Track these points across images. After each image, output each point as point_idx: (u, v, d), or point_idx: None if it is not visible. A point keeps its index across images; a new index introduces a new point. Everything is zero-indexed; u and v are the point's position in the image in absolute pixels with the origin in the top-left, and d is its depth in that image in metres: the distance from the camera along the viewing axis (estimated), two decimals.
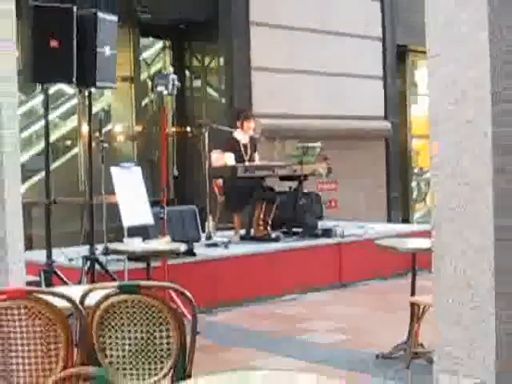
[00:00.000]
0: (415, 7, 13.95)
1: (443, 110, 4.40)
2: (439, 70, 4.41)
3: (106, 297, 3.58)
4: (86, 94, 7.76)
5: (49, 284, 6.78)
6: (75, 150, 10.91)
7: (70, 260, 7.78)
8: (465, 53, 4.27)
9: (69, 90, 10.35)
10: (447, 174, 4.41)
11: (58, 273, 7.02)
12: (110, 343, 3.63)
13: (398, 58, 14.49)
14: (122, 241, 7.58)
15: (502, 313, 4.21)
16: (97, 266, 7.36)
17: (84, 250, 7.73)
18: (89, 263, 7.33)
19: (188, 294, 3.69)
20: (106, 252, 7.82)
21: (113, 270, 7.43)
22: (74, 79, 6.93)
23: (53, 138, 8.25)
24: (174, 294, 5.86)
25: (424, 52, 13.05)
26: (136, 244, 7.12)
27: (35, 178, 9.26)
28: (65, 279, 6.88)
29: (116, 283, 3.88)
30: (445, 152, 4.43)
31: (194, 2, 11.47)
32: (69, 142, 10.98)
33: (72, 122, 10.98)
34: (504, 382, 4.19)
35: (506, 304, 4.25)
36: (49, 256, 7.05)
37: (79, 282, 6.88)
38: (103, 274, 7.27)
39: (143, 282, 3.77)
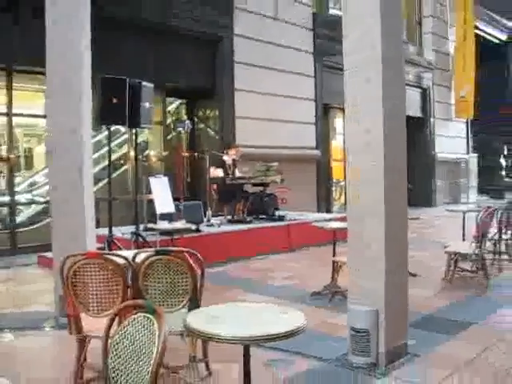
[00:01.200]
0: (333, 84, 14.12)
1: (352, 142, 4.42)
2: (351, 121, 4.43)
3: (148, 257, 3.57)
4: (134, 131, 7.77)
5: (110, 249, 6.72)
6: (125, 167, 10.84)
7: (123, 234, 7.72)
8: (362, 111, 4.29)
9: (122, 129, 10.23)
10: (354, 180, 4.42)
11: (116, 242, 6.98)
12: (150, 286, 3.61)
13: (324, 112, 14.50)
14: (155, 223, 7.58)
15: (388, 264, 4.24)
16: (140, 239, 7.33)
17: (132, 228, 7.71)
18: (135, 236, 7.32)
19: (198, 255, 3.68)
20: (146, 229, 7.83)
21: (150, 240, 7.39)
22: (126, 122, 6.89)
23: (111, 158, 8.12)
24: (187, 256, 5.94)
25: (339, 108, 13.04)
26: (165, 224, 7.13)
27: (100, 184, 9.15)
28: (119, 246, 6.82)
29: (154, 249, 3.87)
30: (354, 170, 4.44)
31: (200, 76, 11.48)
32: (121, 162, 10.85)
33: (123, 149, 10.91)
34: (387, 309, 4.20)
35: (390, 258, 4.28)
36: (110, 231, 6.99)
37: (129, 249, 6.85)
38: (143, 243, 7.24)
39: (170, 248, 3.76)
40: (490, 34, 21.92)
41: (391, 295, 4.24)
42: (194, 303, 3.57)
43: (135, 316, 2.21)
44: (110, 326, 2.31)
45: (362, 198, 4.34)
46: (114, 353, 2.21)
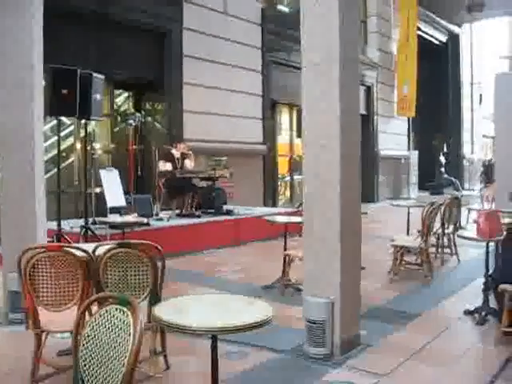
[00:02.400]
0: (281, 79, 14.26)
1: (310, 136, 4.51)
2: (308, 116, 4.51)
3: (109, 250, 3.55)
4: (82, 123, 7.64)
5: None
6: (71, 159, 10.60)
7: (72, 228, 7.58)
8: (320, 108, 4.38)
9: (67, 121, 9.98)
10: (311, 176, 4.52)
11: (64, 236, 6.84)
12: (111, 279, 3.59)
13: (271, 107, 14.60)
14: (106, 216, 7.48)
15: (343, 256, 4.35)
16: (89, 233, 7.19)
17: (80, 221, 7.56)
18: (84, 230, 7.18)
19: (159, 247, 3.68)
20: (95, 223, 7.68)
21: (99, 234, 7.26)
22: (77, 114, 6.76)
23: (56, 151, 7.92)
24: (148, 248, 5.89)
25: (286, 104, 13.09)
26: (116, 218, 7.04)
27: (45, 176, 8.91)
28: (69, 240, 6.68)
29: (116, 241, 3.85)
30: (309, 164, 4.54)
31: (148, 68, 11.36)
32: (67, 154, 10.59)
33: (68, 142, 10.64)
34: (342, 301, 4.32)
35: (345, 251, 4.39)
36: (59, 225, 6.84)
37: (77, 242, 6.72)
38: (93, 237, 7.11)
39: (132, 241, 3.75)
40: (431, 35, 22.58)
41: (346, 287, 4.36)
42: (155, 296, 3.58)
43: (107, 308, 2.20)
44: (80, 320, 2.30)
45: (317, 192, 4.44)
46: (85, 346, 2.21)
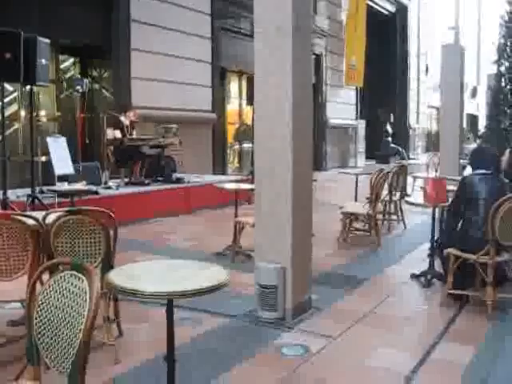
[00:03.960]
0: (231, 47, 14.11)
1: (262, 110, 4.50)
2: (260, 88, 4.49)
3: (59, 217, 3.48)
4: (27, 89, 7.37)
5: None
6: (15, 127, 10.27)
7: (18, 197, 7.37)
8: (272, 82, 4.36)
9: (9, 87, 9.63)
10: (262, 150, 4.53)
11: (10, 205, 6.65)
12: (62, 247, 3.53)
13: (220, 75, 14.45)
14: (53, 185, 7.30)
15: (295, 222, 4.40)
16: (36, 201, 7.01)
17: (27, 190, 7.33)
18: (31, 199, 7.00)
19: (111, 213, 3.63)
20: (42, 192, 7.50)
21: (47, 203, 7.06)
22: (21, 79, 6.52)
23: None
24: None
25: (235, 72, 12.97)
26: (65, 186, 6.88)
27: None
28: (15, 209, 6.50)
29: (65, 208, 3.77)
30: (261, 137, 4.53)
31: (95, 34, 11.02)
32: (10, 121, 10.24)
33: (12, 108, 10.28)
34: (294, 266, 4.38)
35: (296, 217, 4.44)
36: (4, 194, 6.65)
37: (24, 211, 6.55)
38: (40, 206, 6.93)
39: (83, 207, 3.68)
40: (380, 6, 22.70)
41: (297, 253, 4.42)
42: (107, 264, 3.54)
43: (62, 274, 2.17)
44: (32, 289, 2.26)
45: (269, 160, 4.45)
46: (39, 314, 2.18)
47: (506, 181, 4.87)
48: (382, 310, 4.72)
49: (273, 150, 4.40)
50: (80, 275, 2.11)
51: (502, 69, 15.25)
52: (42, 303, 2.18)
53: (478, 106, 36.00)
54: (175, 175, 10.46)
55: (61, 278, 2.16)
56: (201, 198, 9.83)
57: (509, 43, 15.15)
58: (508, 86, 15.11)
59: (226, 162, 15.39)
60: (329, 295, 5.04)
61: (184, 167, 11.21)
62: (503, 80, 15.22)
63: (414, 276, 5.61)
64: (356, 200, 8.61)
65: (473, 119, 34.96)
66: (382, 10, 23.17)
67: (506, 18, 15.43)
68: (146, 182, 9.84)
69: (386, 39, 23.99)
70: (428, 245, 5.76)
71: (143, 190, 9.30)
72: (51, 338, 2.12)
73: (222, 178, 11.98)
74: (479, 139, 16.97)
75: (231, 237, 6.49)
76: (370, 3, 20.83)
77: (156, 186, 9.74)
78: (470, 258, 4.55)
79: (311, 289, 4.72)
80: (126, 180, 9.87)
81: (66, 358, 2.04)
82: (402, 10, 24.49)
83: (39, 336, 2.16)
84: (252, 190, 4.72)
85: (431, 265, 5.48)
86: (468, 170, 6.64)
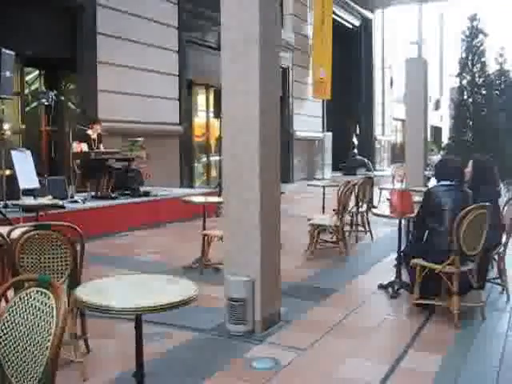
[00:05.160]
0: (198, 60, 14.12)
1: (229, 117, 4.51)
2: (228, 97, 4.50)
3: (25, 232, 3.42)
4: None
5: None
6: None
7: None
8: (239, 90, 4.38)
9: None
10: (230, 157, 4.53)
11: None
12: (28, 262, 3.47)
13: (187, 88, 14.43)
14: (18, 199, 7.17)
15: (263, 235, 4.41)
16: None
17: None
18: None
19: (78, 229, 3.59)
20: (6, 206, 7.35)
21: (12, 217, 6.91)
22: None
23: None
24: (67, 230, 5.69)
25: (202, 84, 12.92)
26: (30, 200, 6.76)
27: None
28: None
29: (32, 223, 3.71)
30: (228, 145, 4.54)
31: (61, 46, 10.91)
32: None
33: None
34: (263, 279, 4.38)
35: (265, 230, 4.45)
36: None
37: None
38: (4, 221, 6.78)
39: (49, 222, 3.62)
40: (345, 20, 23.03)
41: (266, 265, 4.42)
42: (74, 279, 3.49)
43: (27, 291, 2.13)
44: None
45: (236, 173, 4.46)
46: (4, 332, 2.12)
47: (470, 192, 4.97)
48: (350, 321, 4.75)
49: (240, 156, 4.41)
50: (46, 291, 2.07)
51: (464, 82, 15.57)
52: (7, 321, 2.13)
53: (441, 118, 36.72)
54: (142, 189, 10.39)
55: (26, 294, 2.12)
56: (168, 211, 9.77)
57: (470, 57, 15.49)
58: (470, 99, 15.42)
59: (193, 175, 15.33)
60: (298, 307, 5.05)
61: (151, 180, 11.12)
62: (465, 93, 15.53)
63: (381, 286, 5.66)
64: (323, 212, 8.67)
65: (437, 131, 35.62)
66: (347, 24, 23.51)
67: (467, 33, 15.77)
68: (113, 195, 9.75)
69: (351, 52, 24.34)
70: (395, 255, 5.82)
71: (110, 204, 9.20)
72: (17, 357, 2.07)
73: (190, 191, 11.95)
74: (443, 151, 17.26)
75: (199, 250, 6.47)
76: (335, 17, 21.11)
77: (123, 200, 9.65)
78: (435, 268, 4.61)
79: (280, 301, 4.72)
80: (93, 194, 9.76)
81: (33, 377, 1.99)
82: (366, 24, 24.88)
83: (4, 355, 2.11)
84: (220, 203, 4.71)
85: (398, 275, 5.54)
86: (433, 182, 6.75)
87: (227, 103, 4.50)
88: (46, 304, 2.04)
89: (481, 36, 15.59)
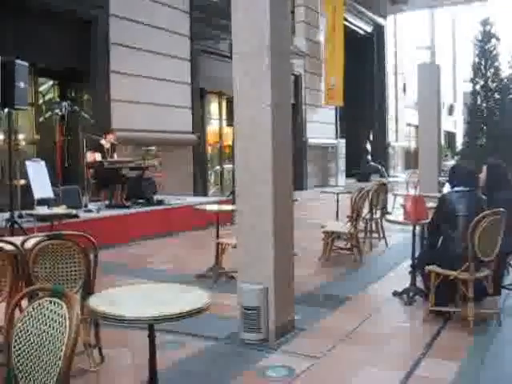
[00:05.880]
0: (209, 68, 14.19)
1: (242, 128, 4.51)
2: (239, 107, 4.51)
3: (39, 242, 3.44)
4: (6, 112, 7.32)
5: None
6: None
7: None
8: (251, 100, 4.39)
9: None
10: (243, 165, 4.53)
11: None
12: (41, 272, 3.49)
13: (200, 96, 14.49)
14: (32, 209, 7.22)
15: (276, 243, 4.40)
16: (16, 226, 6.91)
17: (6, 215, 7.22)
18: (9, 224, 6.91)
19: (91, 238, 3.60)
20: (21, 216, 7.42)
21: (27, 227, 6.98)
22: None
23: None
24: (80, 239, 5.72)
25: (214, 92, 12.96)
26: (44, 210, 6.81)
27: None
28: None
29: (45, 233, 3.73)
30: (241, 156, 4.54)
31: (74, 56, 11.00)
32: None
33: None
34: (276, 287, 4.37)
35: (278, 238, 4.45)
36: None
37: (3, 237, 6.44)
38: (19, 231, 6.83)
39: (64, 232, 3.64)
40: (357, 26, 23.03)
41: (279, 273, 4.41)
42: (88, 288, 3.50)
43: (40, 301, 2.14)
44: (11, 316, 2.22)
45: (250, 180, 4.46)
46: (18, 342, 2.13)
47: (484, 197, 4.93)
48: (365, 328, 4.71)
49: (253, 164, 4.41)
50: (59, 301, 2.08)
51: (477, 87, 15.51)
52: (21, 331, 2.14)
53: (455, 124, 36.53)
54: (156, 197, 10.43)
55: (40, 304, 2.13)
56: (182, 219, 9.79)
57: (483, 62, 15.43)
58: (483, 104, 15.35)
59: (206, 183, 15.37)
60: (312, 315, 5.03)
61: (165, 189, 11.16)
62: (479, 98, 15.47)
63: (396, 293, 5.62)
64: (337, 219, 8.64)
65: (451, 136, 35.44)
66: (359, 30, 23.51)
67: (480, 38, 15.72)
68: (127, 204, 9.80)
69: (364, 58, 24.31)
70: (409, 262, 5.78)
71: (124, 213, 9.24)
72: (30, 367, 2.08)
73: (203, 199, 11.95)
74: (457, 156, 17.17)
75: (213, 258, 6.47)
76: (347, 23, 21.12)
77: (137, 209, 9.70)
78: (450, 274, 4.57)
79: (294, 309, 4.70)
80: (107, 203, 9.82)
81: None
82: (379, 30, 24.86)
83: (18, 365, 2.12)
84: (233, 210, 4.72)
85: (413, 282, 5.50)
86: (447, 187, 6.71)
87: (239, 111, 4.51)
88: (58, 314, 2.05)
89: (493, 40, 15.54)
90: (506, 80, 16.53)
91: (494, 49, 15.46)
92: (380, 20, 24.68)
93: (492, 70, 15.40)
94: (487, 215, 4.46)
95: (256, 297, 4.30)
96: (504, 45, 16.63)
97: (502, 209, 4.56)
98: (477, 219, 4.42)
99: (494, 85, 15.32)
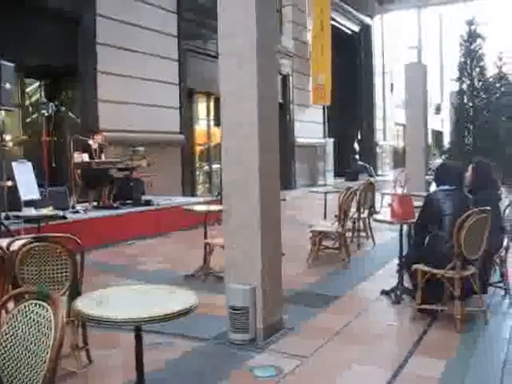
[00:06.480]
0: (198, 68, 14.16)
1: (229, 123, 4.51)
2: (226, 104, 4.50)
3: (25, 244, 3.42)
4: None
5: None
6: None
7: None
8: (237, 97, 4.38)
9: None
10: (229, 165, 4.53)
11: None
12: (28, 274, 3.47)
13: (188, 96, 14.46)
14: (19, 210, 7.18)
15: (264, 243, 4.40)
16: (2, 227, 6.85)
17: None
18: None
19: (78, 240, 3.58)
20: (8, 217, 7.36)
21: (13, 229, 6.91)
22: None
23: None
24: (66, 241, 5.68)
25: (203, 92, 12.95)
26: (31, 211, 6.77)
27: None
28: None
29: (31, 235, 3.71)
30: (228, 152, 4.54)
31: (60, 56, 10.91)
32: None
33: None
34: (265, 285, 4.37)
35: (265, 237, 4.44)
36: None
37: None
38: (6, 233, 6.78)
39: (50, 234, 3.62)
40: (344, 26, 23.09)
41: (267, 273, 4.41)
42: (75, 290, 3.48)
43: (26, 304, 2.13)
44: None
45: (236, 180, 4.45)
46: (3, 345, 2.12)
47: (470, 196, 4.95)
48: (353, 327, 4.73)
49: (239, 163, 4.40)
50: (44, 304, 2.07)
51: (464, 86, 15.60)
52: (6, 334, 2.13)
53: (442, 122, 36.71)
54: (144, 197, 10.40)
55: (25, 307, 2.12)
56: (170, 220, 9.77)
57: (468, 62, 15.52)
58: (470, 103, 15.45)
59: (195, 184, 15.34)
60: (300, 314, 5.03)
61: (153, 189, 11.12)
62: (465, 97, 15.56)
63: (384, 292, 5.63)
64: (325, 218, 8.66)
65: (438, 135, 35.61)
66: (346, 30, 23.57)
67: (465, 38, 15.81)
68: (115, 205, 9.76)
69: (352, 58, 24.38)
70: (397, 261, 5.80)
71: (112, 214, 9.20)
72: (15, 370, 2.06)
73: (192, 199, 11.94)
74: (444, 155, 17.26)
75: (202, 258, 6.46)
76: (334, 23, 21.17)
77: (125, 209, 9.66)
78: (436, 272, 4.60)
79: (282, 308, 4.70)
80: (95, 204, 9.78)
81: None
82: (366, 30, 24.94)
83: (3, 368, 2.10)
84: (221, 211, 4.71)
85: (400, 281, 5.52)
86: (433, 186, 6.74)
87: (226, 111, 4.50)
88: (43, 317, 2.04)
89: (479, 40, 15.63)
90: (491, 79, 16.65)
91: (480, 48, 15.56)
92: (367, 20, 24.76)
93: (478, 70, 15.51)
94: (473, 214, 4.49)
95: (244, 297, 4.29)
96: (491, 44, 16.75)
97: (488, 207, 4.59)
98: (462, 218, 4.45)
99: (480, 84, 15.43)
